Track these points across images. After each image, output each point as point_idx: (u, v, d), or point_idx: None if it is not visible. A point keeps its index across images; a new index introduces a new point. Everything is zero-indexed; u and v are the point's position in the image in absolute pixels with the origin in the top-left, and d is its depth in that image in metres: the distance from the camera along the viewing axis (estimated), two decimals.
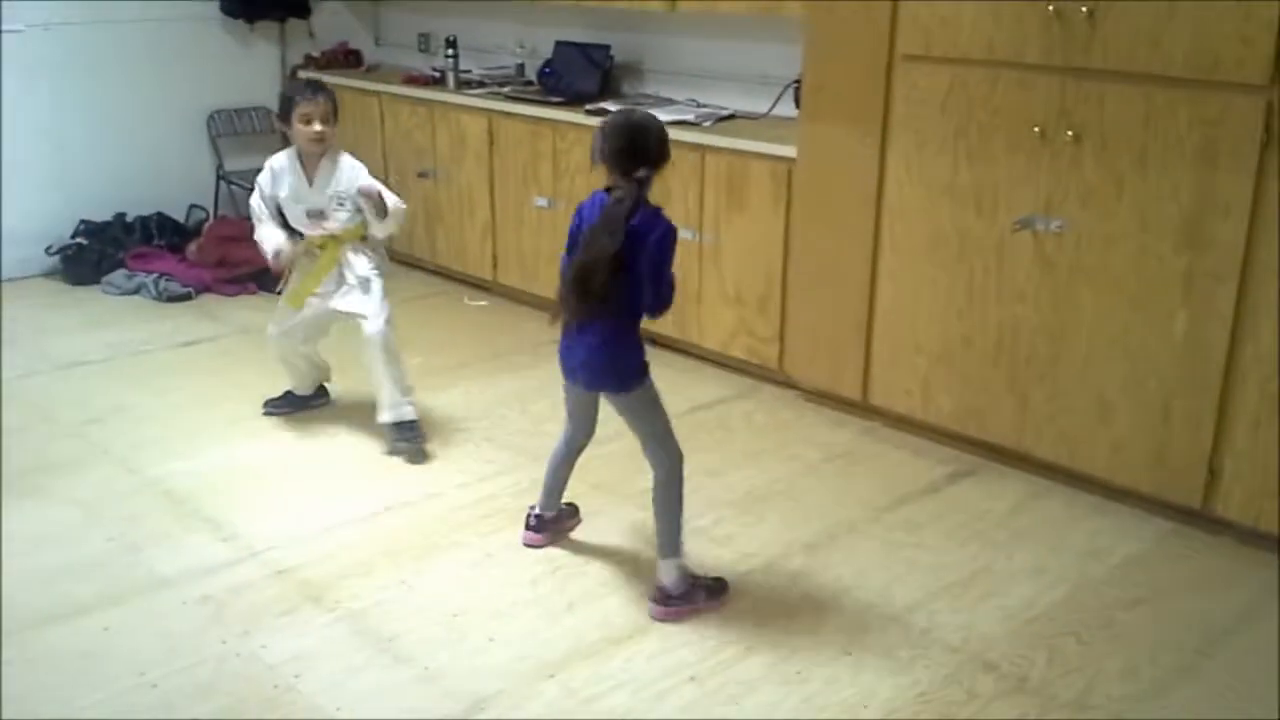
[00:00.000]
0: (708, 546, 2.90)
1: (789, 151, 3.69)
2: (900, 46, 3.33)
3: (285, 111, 3.36)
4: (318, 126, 3.32)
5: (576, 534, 2.98)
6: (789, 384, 3.91)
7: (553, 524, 2.95)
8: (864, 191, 3.50)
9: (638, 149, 2.54)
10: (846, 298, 3.60)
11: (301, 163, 3.41)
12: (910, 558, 2.90)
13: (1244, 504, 2.89)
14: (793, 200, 3.71)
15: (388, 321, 3.42)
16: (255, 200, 3.49)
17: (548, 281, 4.63)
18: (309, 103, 3.33)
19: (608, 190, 2.56)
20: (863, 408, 3.70)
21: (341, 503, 3.15)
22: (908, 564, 2.87)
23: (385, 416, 3.44)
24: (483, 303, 4.96)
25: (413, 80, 5.28)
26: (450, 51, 5.15)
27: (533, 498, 2.97)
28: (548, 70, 4.84)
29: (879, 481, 3.31)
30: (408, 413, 3.44)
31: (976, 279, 3.30)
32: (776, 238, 3.79)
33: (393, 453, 3.43)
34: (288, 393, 3.74)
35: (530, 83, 5.00)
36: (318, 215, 3.42)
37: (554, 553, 2.91)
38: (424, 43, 5.74)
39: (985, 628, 2.60)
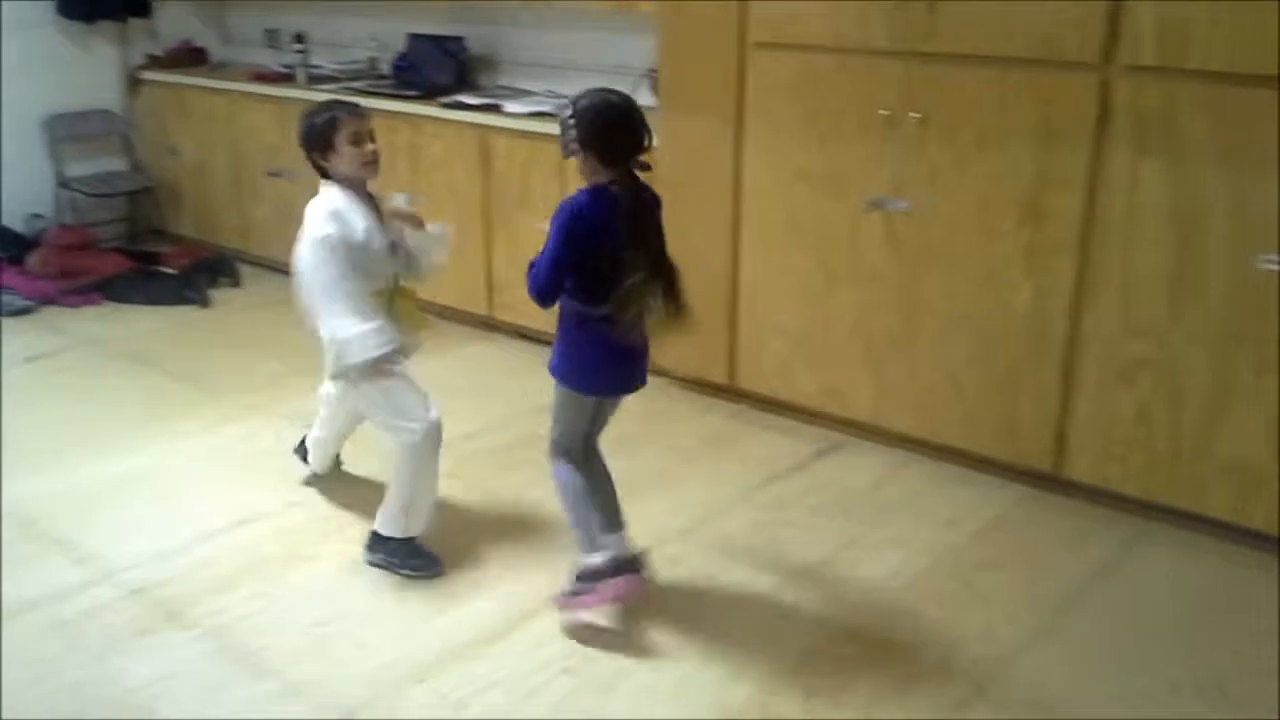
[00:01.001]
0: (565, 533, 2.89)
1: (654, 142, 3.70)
2: (751, 35, 3.37)
3: (324, 137, 2.64)
4: (371, 146, 2.67)
5: (442, 534, 2.95)
6: (659, 371, 3.92)
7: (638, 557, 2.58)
8: (722, 178, 3.54)
9: (635, 132, 2.33)
10: (710, 284, 3.64)
11: (355, 195, 2.70)
12: (779, 535, 2.95)
13: (1091, 466, 3.02)
14: (654, 188, 3.72)
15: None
16: (333, 263, 2.60)
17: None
18: (356, 119, 2.66)
19: (606, 185, 2.33)
20: (731, 392, 3.75)
21: (200, 517, 3.04)
22: (776, 541, 2.92)
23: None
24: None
25: (261, 77, 5.13)
26: (299, 47, 5.02)
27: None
28: (401, 63, 4.76)
29: (748, 463, 3.35)
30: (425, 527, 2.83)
31: (832, 261, 3.37)
32: None
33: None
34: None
35: (384, 76, 4.91)
36: (395, 252, 2.75)
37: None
38: (272, 39, 5.58)
39: (852, 599, 2.66)
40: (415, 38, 4.77)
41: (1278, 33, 2.51)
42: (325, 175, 2.71)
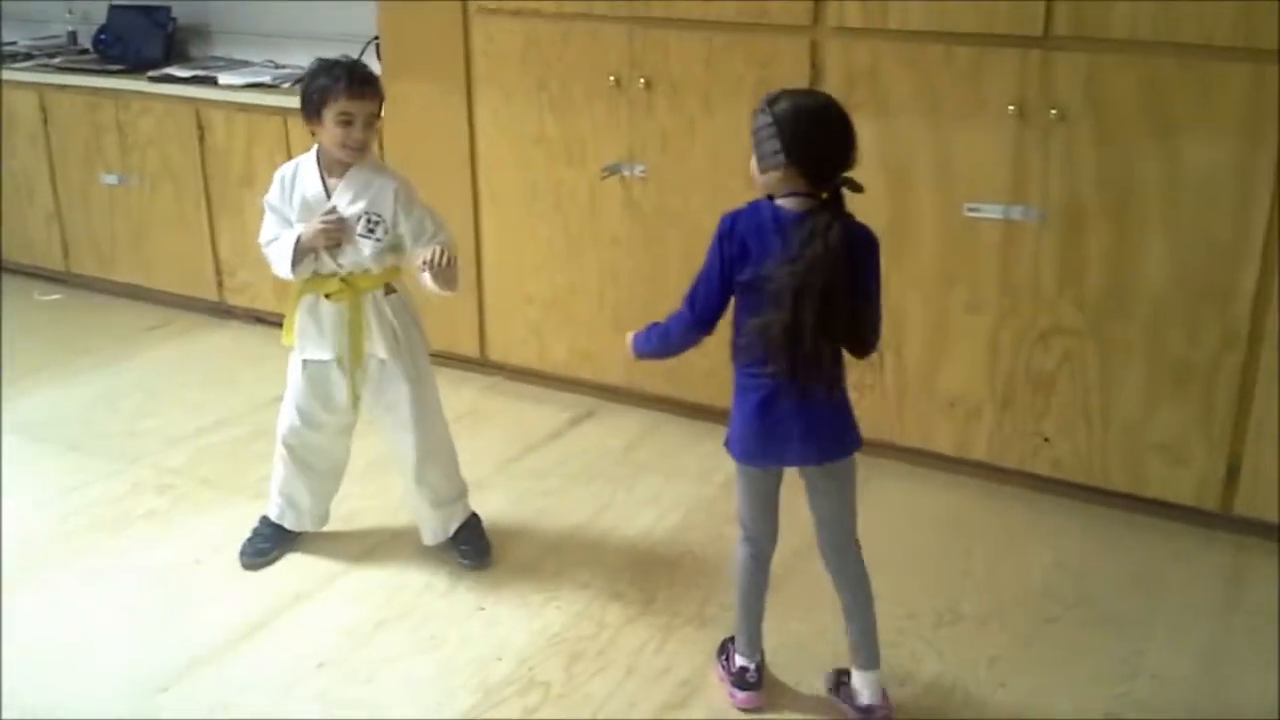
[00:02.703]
0: (330, 522, 2.79)
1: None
2: (473, 1, 3.31)
3: (314, 104, 2.42)
4: (358, 132, 2.43)
5: (187, 534, 2.78)
6: None
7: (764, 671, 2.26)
8: (457, 147, 3.47)
9: (847, 145, 1.93)
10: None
11: (322, 169, 2.50)
12: (539, 505, 2.95)
13: None
14: (384, 159, 3.61)
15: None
16: (267, 223, 2.50)
17: (129, 266, 4.28)
18: (349, 100, 2.40)
19: (776, 198, 1.97)
20: (482, 364, 3.71)
21: None
22: (537, 511, 2.92)
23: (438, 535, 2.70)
24: (56, 296, 4.48)
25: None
26: None
27: (134, 506, 2.72)
28: (103, 37, 4.41)
29: (504, 434, 3.33)
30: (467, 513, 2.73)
31: (573, 227, 3.37)
32: None
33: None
34: (275, 526, 2.73)
35: (85, 51, 4.54)
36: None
37: (157, 560, 2.70)
38: None
39: (611, 560, 2.70)
40: (116, 8, 4.43)
41: None
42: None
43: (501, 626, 2.45)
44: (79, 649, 2.39)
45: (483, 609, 2.51)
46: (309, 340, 2.54)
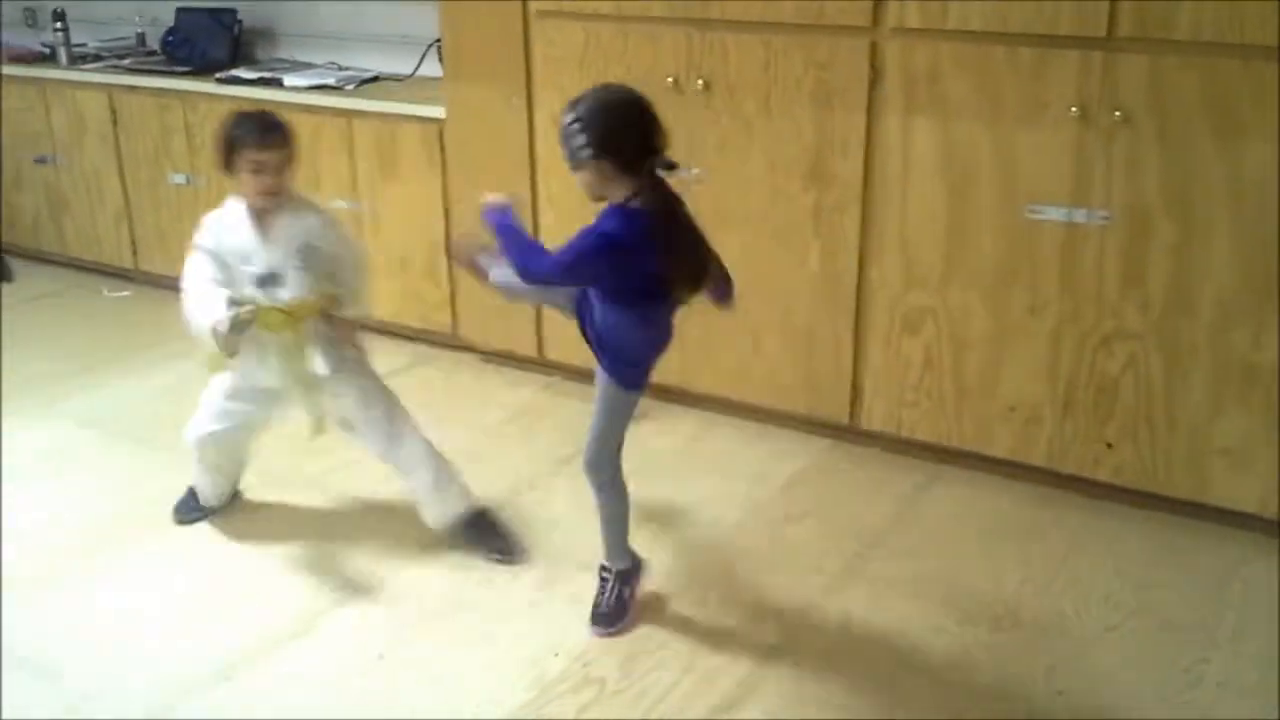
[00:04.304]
0: (388, 520, 2.84)
1: (438, 113, 3.63)
2: (534, 3, 3.34)
3: (227, 155, 2.56)
4: (269, 179, 2.55)
5: (239, 526, 2.84)
6: (466, 347, 3.88)
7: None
8: (517, 149, 3.50)
9: (655, 127, 2.12)
10: None
11: (252, 217, 2.60)
12: (594, 504, 2.95)
13: (886, 415, 3.16)
14: (447, 162, 3.66)
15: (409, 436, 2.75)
16: (195, 263, 2.58)
17: None
18: (261, 149, 2.52)
19: (634, 205, 2.13)
20: (541, 364, 3.73)
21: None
22: (592, 510, 2.92)
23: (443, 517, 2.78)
24: (125, 293, 4.59)
25: (20, 58, 4.76)
26: (59, 25, 4.68)
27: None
28: (171, 39, 4.51)
29: (561, 434, 3.34)
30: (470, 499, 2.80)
31: None
32: (435, 201, 3.73)
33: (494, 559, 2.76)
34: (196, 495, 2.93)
35: (154, 53, 4.64)
36: (270, 281, 2.58)
37: (216, 552, 2.77)
38: (30, 17, 5.19)
39: (667, 558, 2.70)
40: (184, 11, 4.51)
41: None
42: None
43: (557, 623, 2.47)
44: (136, 637, 2.45)
45: (536, 606, 2.54)
46: (250, 367, 2.64)
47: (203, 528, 2.87)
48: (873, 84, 2.90)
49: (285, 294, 2.58)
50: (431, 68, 3.96)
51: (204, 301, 2.52)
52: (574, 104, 2.12)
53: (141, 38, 4.79)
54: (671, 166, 2.13)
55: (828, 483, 3.08)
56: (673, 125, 3.18)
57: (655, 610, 2.52)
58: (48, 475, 3.14)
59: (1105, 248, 2.74)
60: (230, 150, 2.55)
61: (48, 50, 4.73)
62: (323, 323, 2.66)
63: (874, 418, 3.18)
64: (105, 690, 2.28)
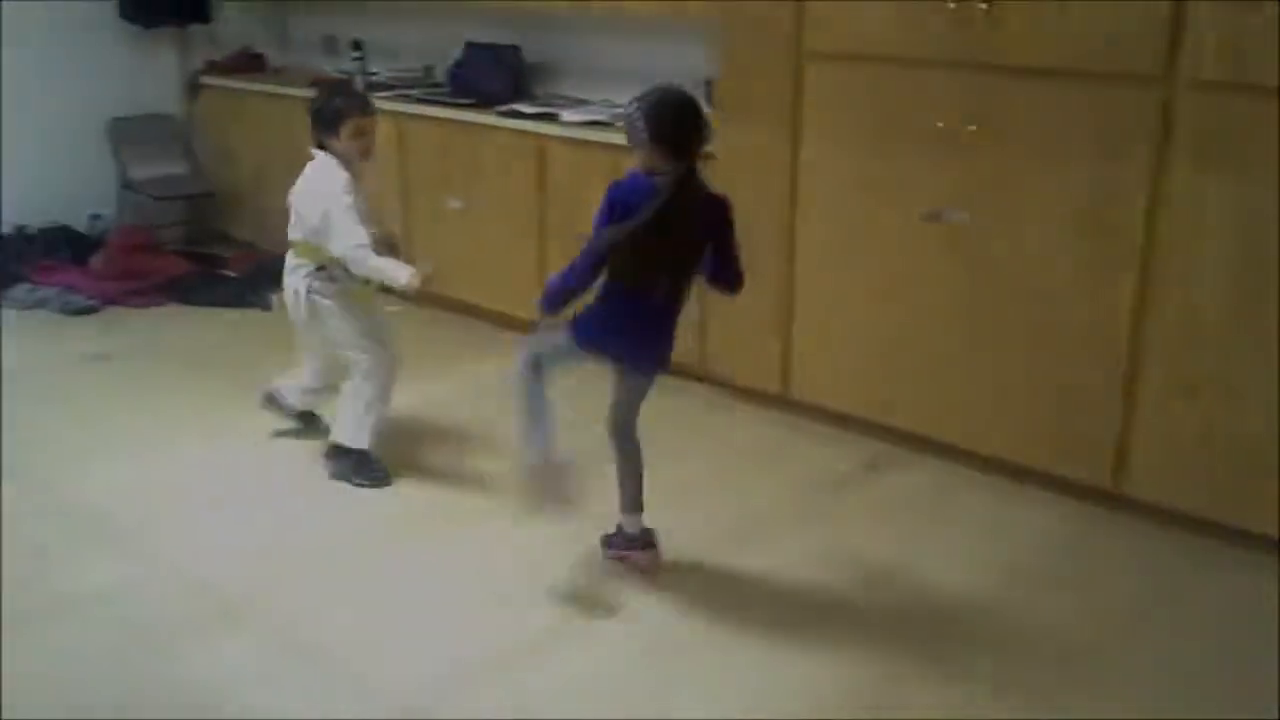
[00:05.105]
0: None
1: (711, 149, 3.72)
2: (807, 45, 3.38)
3: (330, 123, 3.10)
4: (370, 141, 3.18)
5: (519, 537, 2.98)
6: (711, 380, 3.93)
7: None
8: (779, 188, 3.55)
9: (701, 126, 2.50)
10: (765, 294, 3.64)
11: (349, 168, 3.18)
12: (839, 545, 2.95)
13: (1153, 483, 2.98)
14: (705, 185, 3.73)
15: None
16: (350, 226, 3.10)
17: (466, 285, 4.60)
18: (364, 117, 3.14)
19: (649, 173, 2.49)
20: (785, 401, 3.74)
21: (259, 516, 3.10)
22: (829, 552, 2.92)
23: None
24: (397, 309, 4.88)
25: (319, 84, 5.19)
26: (357, 54, 5.08)
27: (464, 504, 2.93)
28: (458, 72, 4.81)
29: (800, 472, 3.35)
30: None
31: (889, 271, 3.36)
32: None
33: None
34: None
35: (440, 85, 4.96)
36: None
37: (483, 557, 2.89)
38: (330, 45, 5.66)
39: (905, 612, 2.64)
40: (472, 46, 4.81)
41: None
42: (321, 146, 3.16)
43: (796, 669, 2.46)
44: (411, 627, 2.59)
45: (775, 652, 2.53)
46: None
47: (472, 532, 3.01)
48: (1161, 137, 2.78)
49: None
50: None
51: (387, 264, 3.11)
52: (640, 97, 2.51)
53: (430, 69, 5.13)
54: (706, 156, 2.54)
55: (1086, 550, 2.94)
56: (939, 169, 3.18)
57: (892, 666, 2.47)
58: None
59: None
60: (337, 118, 3.10)
61: (345, 77, 5.14)
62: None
63: (1139, 485, 3.02)
64: (379, 679, 2.43)
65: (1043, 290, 3.06)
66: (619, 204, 2.51)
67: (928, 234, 3.24)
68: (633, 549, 2.81)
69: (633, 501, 2.78)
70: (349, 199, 3.10)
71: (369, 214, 3.18)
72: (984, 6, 2.98)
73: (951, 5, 3.03)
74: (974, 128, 3.07)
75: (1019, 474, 3.25)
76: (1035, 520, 3.08)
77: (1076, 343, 3.03)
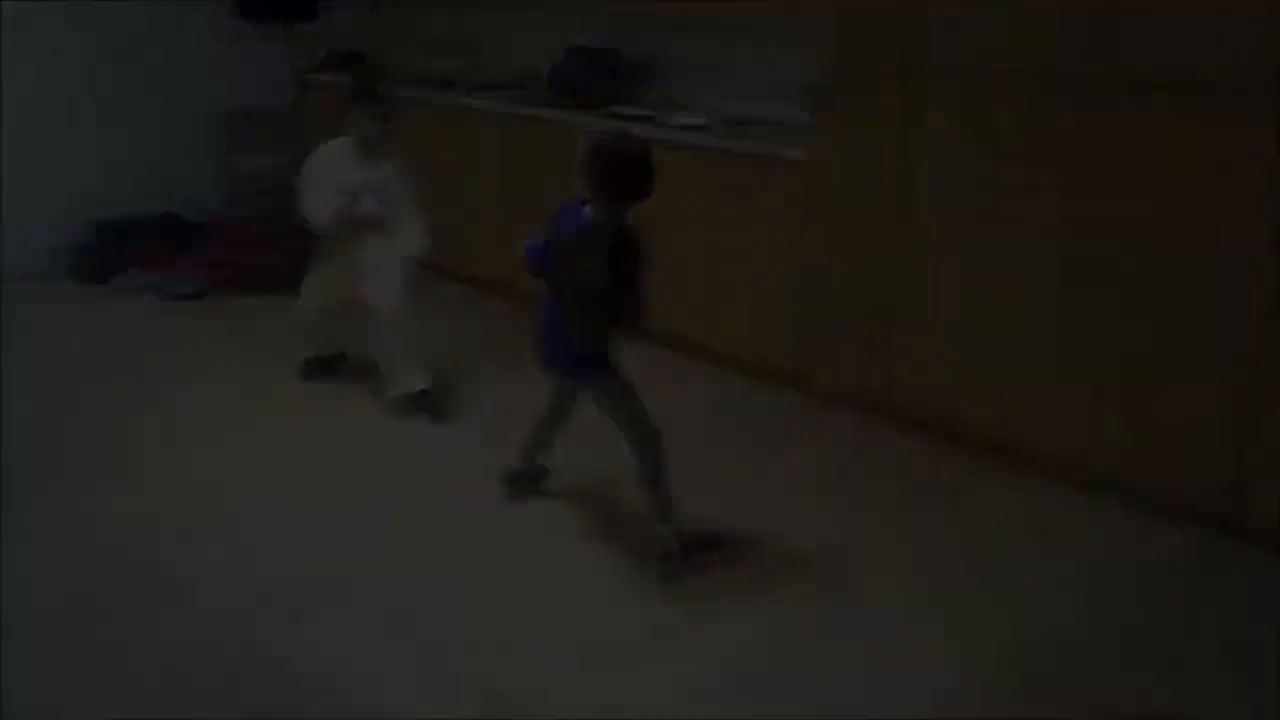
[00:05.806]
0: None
1: (804, 155, 3.69)
2: (923, 52, 3.33)
3: (343, 108, 3.68)
4: (377, 126, 3.68)
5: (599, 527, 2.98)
6: (807, 386, 3.89)
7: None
8: (883, 196, 3.50)
9: (633, 179, 2.65)
10: (868, 301, 3.61)
11: (357, 151, 3.68)
12: (919, 562, 2.90)
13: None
14: (811, 204, 3.71)
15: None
16: (310, 188, 3.71)
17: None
18: (367, 107, 3.63)
19: (584, 202, 2.68)
20: (886, 407, 3.67)
21: (380, 500, 3.15)
22: (918, 563, 2.88)
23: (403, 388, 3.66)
24: None
25: (424, 84, 5.27)
26: (461, 55, 5.13)
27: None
28: (558, 74, 4.83)
29: (900, 481, 3.32)
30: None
31: (1008, 285, 3.30)
32: (794, 241, 3.79)
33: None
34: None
35: (541, 86, 4.99)
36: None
37: (590, 564, 2.88)
38: (435, 46, 5.74)
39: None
40: (571, 50, 4.83)
41: None
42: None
43: (890, 675, 2.43)
44: (521, 616, 2.61)
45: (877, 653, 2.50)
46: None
47: (576, 539, 3.01)
48: None
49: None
50: (797, 109, 4.00)
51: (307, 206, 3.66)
52: (598, 134, 2.78)
53: (532, 71, 5.17)
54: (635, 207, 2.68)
55: (1204, 585, 2.81)
56: (1069, 183, 3.08)
57: (992, 697, 2.41)
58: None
59: None
60: (345, 107, 3.57)
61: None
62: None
63: (1265, 514, 2.89)
64: (484, 675, 2.42)
65: (1159, 299, 2.98)
66: (554, 220, 2.76)
67: (1047, 249, 3.17)
68: (700, 550, 2.82)
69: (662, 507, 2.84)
70: (320, 171, 3.62)
71: (373, 189, 3.59)
72: (1108, 18, 2.92)
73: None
74: (1096, 142, 3.00)
75: (1120, 490, 3.15)
76: (1147, 546, 2.97)
77: (1191, 357, 2.94)
